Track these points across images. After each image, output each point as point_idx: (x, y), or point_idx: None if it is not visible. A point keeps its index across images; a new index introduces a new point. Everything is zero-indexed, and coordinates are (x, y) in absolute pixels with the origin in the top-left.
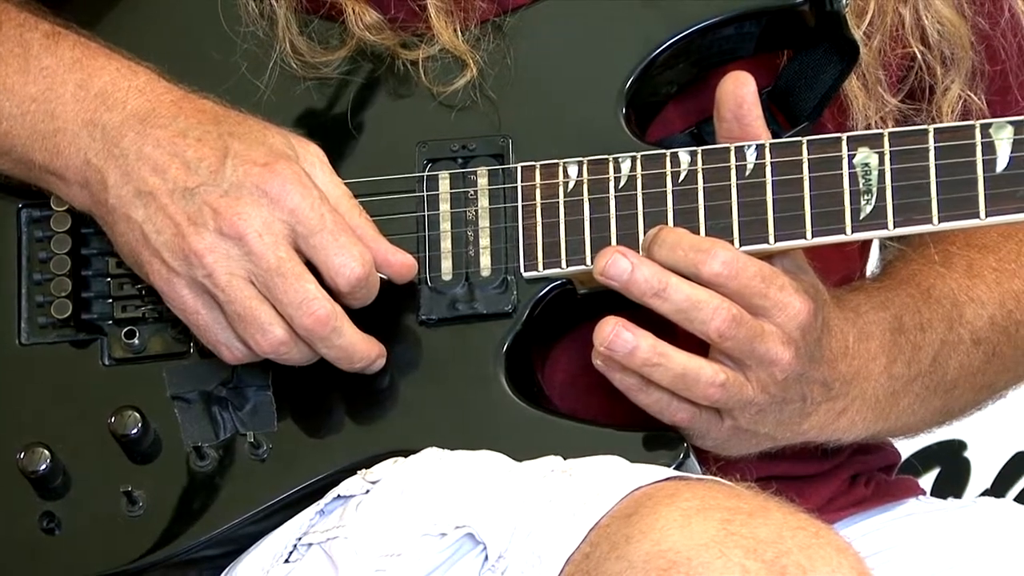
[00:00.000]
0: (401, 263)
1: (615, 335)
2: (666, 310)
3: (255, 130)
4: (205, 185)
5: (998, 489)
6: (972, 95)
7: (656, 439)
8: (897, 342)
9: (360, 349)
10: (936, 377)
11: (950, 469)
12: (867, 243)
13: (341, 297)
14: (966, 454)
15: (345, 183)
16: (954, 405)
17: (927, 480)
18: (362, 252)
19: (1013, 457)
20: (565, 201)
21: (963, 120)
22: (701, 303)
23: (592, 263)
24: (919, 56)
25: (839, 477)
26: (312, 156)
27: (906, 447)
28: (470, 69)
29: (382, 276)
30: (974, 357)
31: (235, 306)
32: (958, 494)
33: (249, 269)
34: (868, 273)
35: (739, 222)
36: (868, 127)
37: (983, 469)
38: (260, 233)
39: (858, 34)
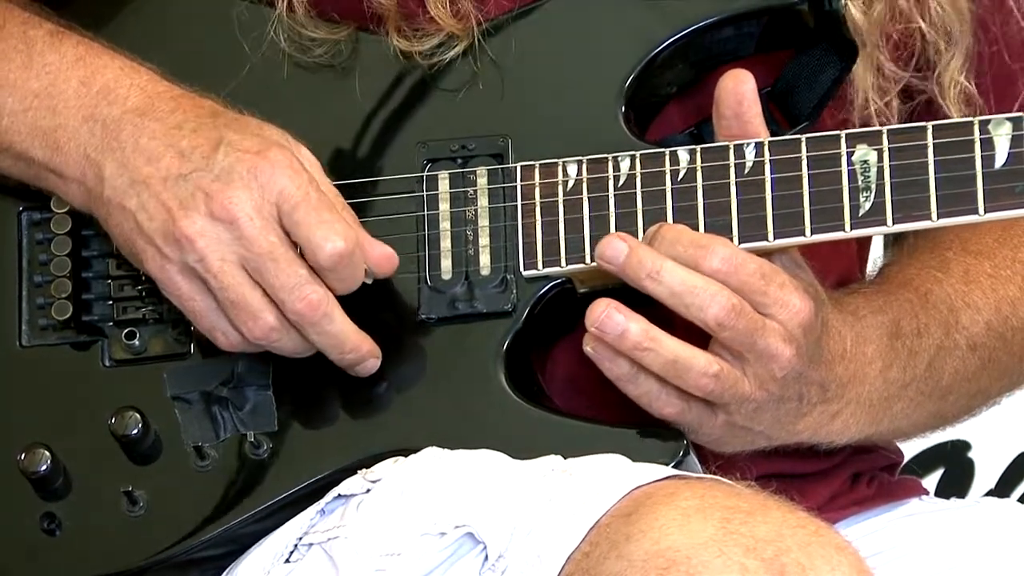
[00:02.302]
0: (381, 254)
1: (606, 316)
2: (660, 293)
3: (252, 124)
4: (198, 171)
5: (1002, 490)
6: (968, 84)
7: (656, 437)
8: (894, 347)
9: (351, 338)
10: (931, 382)
11: (954, 469)
12: (866, 244)
13: (323, 275)
14: (970, 454)
15: (345, 183)
16: (948, 410)
17: (931, 480)
18: (346, 229)
19: (1017, 458)
20: (564, 200)
21: (966, 101)
22: (697, 289)
23: (591, 261)
24: (918, 32)
25: (841, 476)
26: (305, 154)
27: (909, 447)
28: (462, 41)
29: (373, 277)
30: (970, 363)
31: (227, 292)
32: (962, 494)
33: (240, 254)
34: (868, 272)
35: (738, 220)
36: (872, 101)
37: (987, 470)
38: (251, 217)
39: (858, 4)
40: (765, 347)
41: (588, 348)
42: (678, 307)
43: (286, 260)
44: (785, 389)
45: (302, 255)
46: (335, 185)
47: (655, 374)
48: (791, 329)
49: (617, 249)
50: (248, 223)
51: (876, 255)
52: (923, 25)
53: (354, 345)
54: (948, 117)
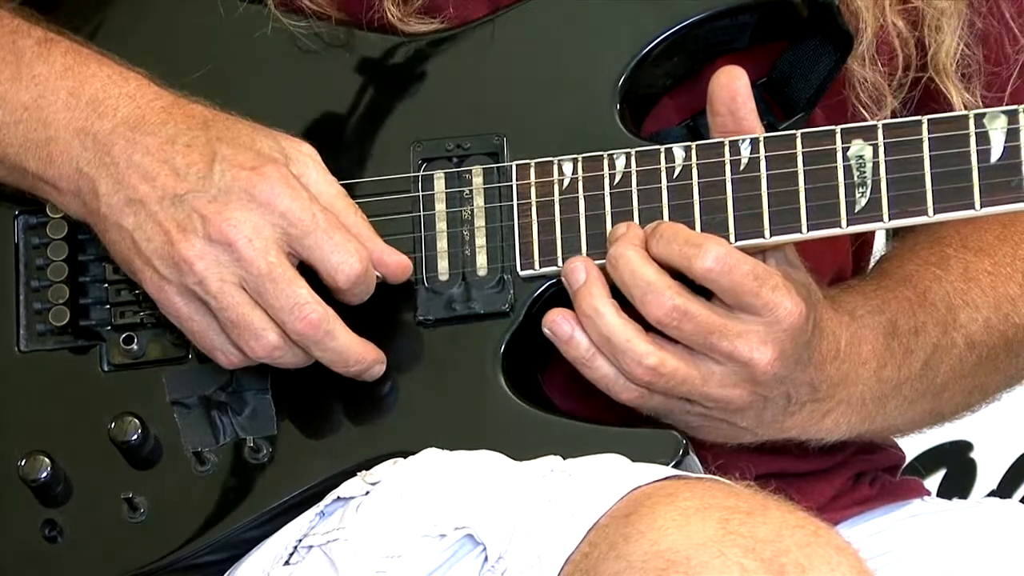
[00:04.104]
0: (396, 263)
1: (574, 268)
2: (618, 282)
3: (244, 134)
4: (194, 191)
5: (1004, 490)
6: (967, 52)
7: (655, 437)
8: (889, 346)
9: (355, 352)
10: (926, 381)
11: (956, 470)
12: (863, 240)
13: (339, 295)
14: (972, 455)
15: (340, 184)
16: (944, 407)
17: (933, 481)
18: (358, 248)
19: (1019, 458)
20: (560, 199)
21: (965, 78)
22: (641, 283)
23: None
24: (919, 9)
25: (842, 475)
26: (304, 156)
27: (912, 448)
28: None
29: (378, 275)
30: (967, 361)
31: (228, 313)
32: (964, 495)
33: (240, 275)
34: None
35: (734, 216)
36: (862, 93)
37: (989, 470)
38: (250, 239)
39: None
40: (732, 350)
41: (545, 330)
42: (628, 297)
43: (285, 280)
44: (769, 391)
45: (303, 271)
46: None
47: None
48: (776, 332)
49: (615, 234)
50: (246, 245)
51: (879, 247)
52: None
53: (358, 358)
54: (947, 97)
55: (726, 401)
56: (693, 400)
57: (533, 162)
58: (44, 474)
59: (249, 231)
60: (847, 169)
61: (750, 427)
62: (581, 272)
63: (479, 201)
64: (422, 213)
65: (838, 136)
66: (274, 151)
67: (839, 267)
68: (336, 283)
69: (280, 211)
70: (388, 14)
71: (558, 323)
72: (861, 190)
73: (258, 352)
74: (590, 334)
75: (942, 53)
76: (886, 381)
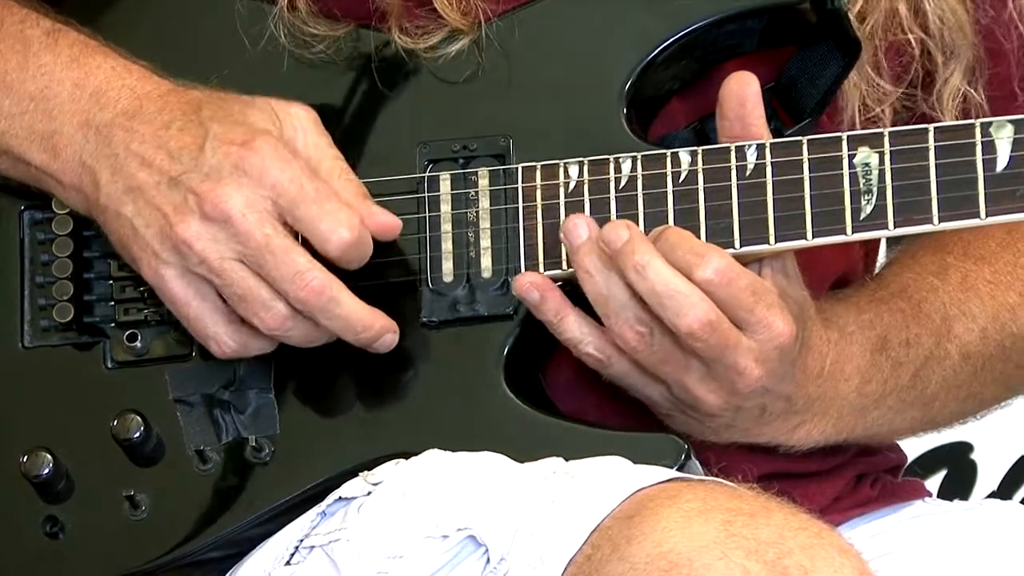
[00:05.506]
0: (380, 223)
1: (575, 225)
2: (642, 289)
3: (236, 110)
4: (187, 172)
5: (1005, 491)
6: (972, 90)
7: (658, 440)
8: (876, 362)
9: (362, 318)
10: (915, 392)
11: (957, 471)
12: (874, 244)
13: (334, 263)
14: (972, 456)
15: None
16: (936, 416)
17: (934, 482)
18: (348, 216)
19: (1020, 460)
20: (566, 202)
21: (963, 113)
22: (678, 294)
23: None
24: (917, 43)
25: (844, 476)
26: (297, 121)
27: (912, 449)
28: (466, 35)
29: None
30: (960, 371)
31: (234, 288)
32: (965, 496)
33: (238, 250)
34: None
35: (739, 222)
36: (862, 111)
37: (990, 471)
38: (244, 213)
39: (853, 10)
40: (734, 363)
41: (515, 292)
42: (656, 307)
43: (283, 250)
44: (743, 401)
45: (303, 241)
46: None
47: (582, 326)
48: (767, 350)
49: (618, 234)
50: (241, 219)
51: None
52: (922, 36)
53: (366, 324)
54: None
55: (696, 399)
56: (662, 380)
57: (539, 164)
58: (46, 470)
59: (242, 205)
60: (853, 176)
61: (717, 428)
62: (583, 229)
63: (484, 203)
64: (427, 214)
65: (844, 143)
66: (266, 122)
67: (847, 270)
68: (327, 252)
69: (270, 183)
70: (400, 44)
71: (527, 288)
72: (867, 197)
73: (269, 324)
74: (585, 288)
75: (947, 90)
76: (868, 395)
